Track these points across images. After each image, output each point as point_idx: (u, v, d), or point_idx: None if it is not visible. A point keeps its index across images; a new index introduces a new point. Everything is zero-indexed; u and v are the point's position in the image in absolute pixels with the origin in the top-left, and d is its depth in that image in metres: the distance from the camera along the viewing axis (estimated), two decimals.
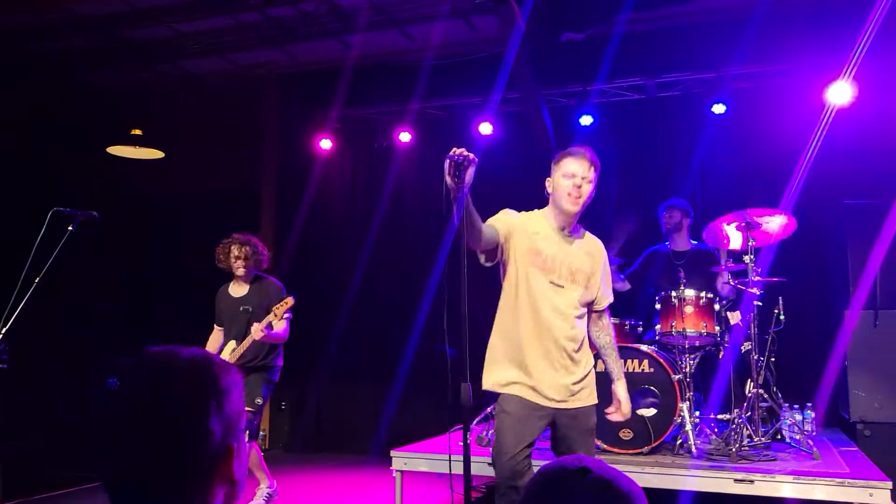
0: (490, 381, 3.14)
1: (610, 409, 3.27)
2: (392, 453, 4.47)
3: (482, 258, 3.11)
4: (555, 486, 1.11)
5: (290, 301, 4.62)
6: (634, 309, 5.44)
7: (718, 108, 6.20)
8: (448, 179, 2.66)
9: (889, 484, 3.61)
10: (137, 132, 6.47)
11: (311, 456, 7.10)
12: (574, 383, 3.12)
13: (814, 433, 4.98)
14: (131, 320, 7.65)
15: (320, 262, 7.51)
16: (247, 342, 4.59)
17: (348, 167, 7.75)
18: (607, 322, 3.36)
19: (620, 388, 3.26)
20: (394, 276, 7.23)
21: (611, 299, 3.36)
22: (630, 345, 4.66)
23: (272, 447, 7.47)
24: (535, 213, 3.24)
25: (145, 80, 7.38)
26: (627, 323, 5.00)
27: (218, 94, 7.55)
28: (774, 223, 4.76)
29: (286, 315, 4.63)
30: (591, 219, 6.09)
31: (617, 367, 3.32)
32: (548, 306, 3.08)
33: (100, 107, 7.34)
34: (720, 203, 5.71)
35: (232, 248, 4.81)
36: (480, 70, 6.48)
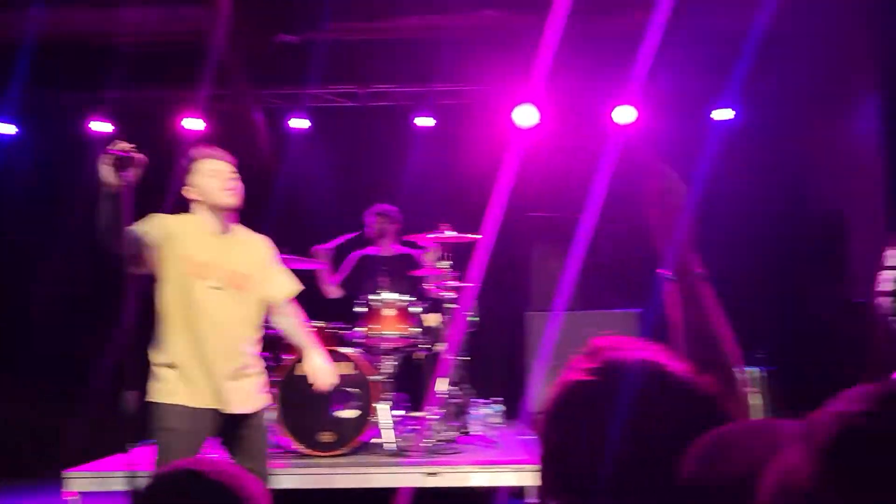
0: (154, 392, 2.99)
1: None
2: (65, 474, 4.02)
3: (130, 265, 2.92)
4: (168, 489, 1.05)
5: None
6: (341, 312, 5.51)
7: (424, 122, 6.54)
8: (106, 173, 2.46)
9: None
10: None
11: None
12: (241, 386, 3.08)
13: (501, 425, 5.43)
14: None
15: None
16: None
17: (33, 155, 6.88)
18: (291, 309, 3.38)
19: (310, 360, 3.38)
20: (73, 278, 6.53)
21: (288, 290, 3.36)
22: (333, 348, 4.70)
23: None
24: (186, 217, 3.14)
25: None
26: (331, 326, 5.04)
27: None
28: (470, 231, 5.13)
29: None
30: (298, 221, 6.08)
31: (307, 341, 3.39)
32: (207, 312, 3.00)
33: None
34: (425, 211, 6.02)
35: None
36: (189, 62, 6.14)
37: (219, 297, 3.03)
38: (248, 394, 3.11)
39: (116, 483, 3.97)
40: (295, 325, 3.40)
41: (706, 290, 1.28)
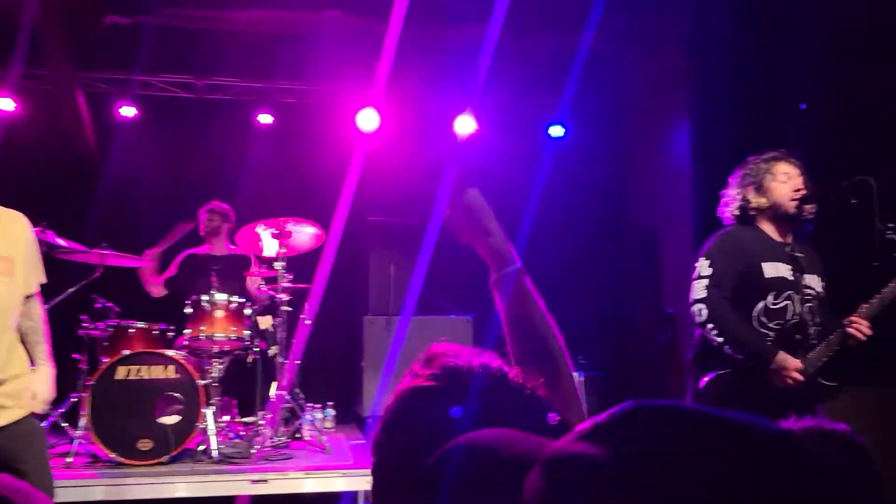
0: None
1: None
2: None
3: None
4: None
5: None
6: (169, 313, 5.23)
7: (265, 118, 6.37)
8: None
9: None
10: None
11: None
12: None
13: (332, 430, 5.38)
14: None
15: None
16: None
17: None
18: (36, 309, 2.93)
19: (37, 376, 2.83)
20: None
21: (37, 284, 2.95)
22: (156, 350, 4.45)
23: None
24: None
25: None
26: (157, 328, 4.78)
27: None
28: (306, 233, 5.06)
29: None
30: (123, 214, 5.70)
31: (41, 353, 2.88)
32: None
33: None
34: (261, 210, 5.84)
35: None
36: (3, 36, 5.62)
37: None
38: (12, 402, 2.73)
39: None
40: (35, 329, 2.88)
41: (529, 284, 1.33)
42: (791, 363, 2.86)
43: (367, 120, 5.73)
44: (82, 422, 4.13)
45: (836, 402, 2.92)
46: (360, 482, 4.05)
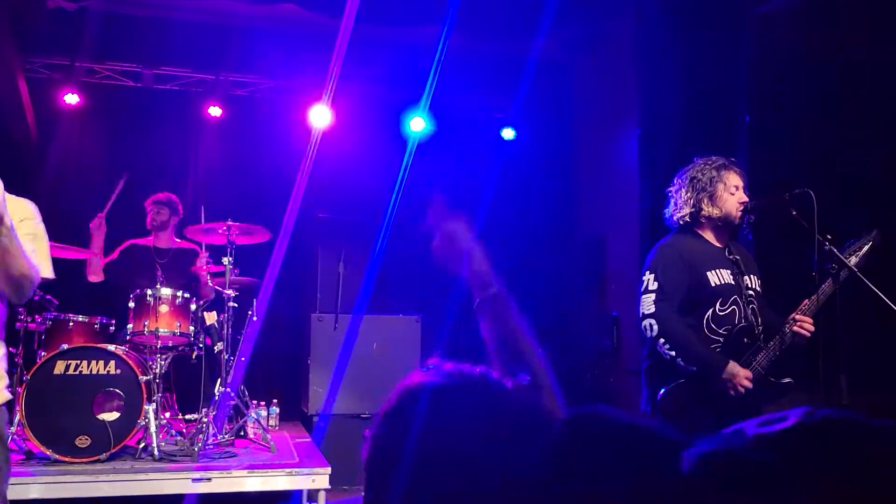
0: None
1: None
2: None
3: None
4: None
5: None
6: (112, 306, 5.11)
7: (215, 111, 6.27)
8: None
9: (328, 469, 4.04)
10: None
11: None
12: None
13: (276, 428, 5.32)
14: None
15: None
16: None
17: None
18: None
19: None
20: None
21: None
22: (97, 345, 4.34)
23: None
24: None
25: None
26: (98, 321, 4.67)
27: None
28: (254, 229, 5.00)
29: None
30: (60, 204, 5.54)
31: None
32: None
33: None
34: (210, 204, 5.76)
35: None
36: None
37: None
38: None
39: None
40: None
41: (509, 306, 1.40)
42: (741, 372, 2.95)
43: (320, 116, 5.69)
44: (17, 417, 4.00)
45: (783, 400, 3.03)
46: (305, 481, 4.03)
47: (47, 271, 2.47)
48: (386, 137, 6.20)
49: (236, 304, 4.79)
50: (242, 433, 4.82)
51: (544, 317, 6.31)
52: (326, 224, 5.86)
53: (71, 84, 5.98)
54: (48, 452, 3.97)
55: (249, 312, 4.87)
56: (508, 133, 6.72)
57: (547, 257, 6.48)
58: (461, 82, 5.78)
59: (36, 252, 2.42)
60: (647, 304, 3.07)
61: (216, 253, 5.06)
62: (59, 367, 4.15)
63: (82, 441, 4.07)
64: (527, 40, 5.02)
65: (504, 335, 1.35)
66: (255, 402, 5.16)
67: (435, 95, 5.01)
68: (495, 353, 1.34)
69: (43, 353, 4.31)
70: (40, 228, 2.51)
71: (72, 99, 6.01)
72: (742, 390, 2.94)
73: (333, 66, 4.71)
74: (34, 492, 3.67)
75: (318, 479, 4.01)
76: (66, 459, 4.02)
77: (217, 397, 4.56)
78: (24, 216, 2.45)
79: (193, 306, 4.74)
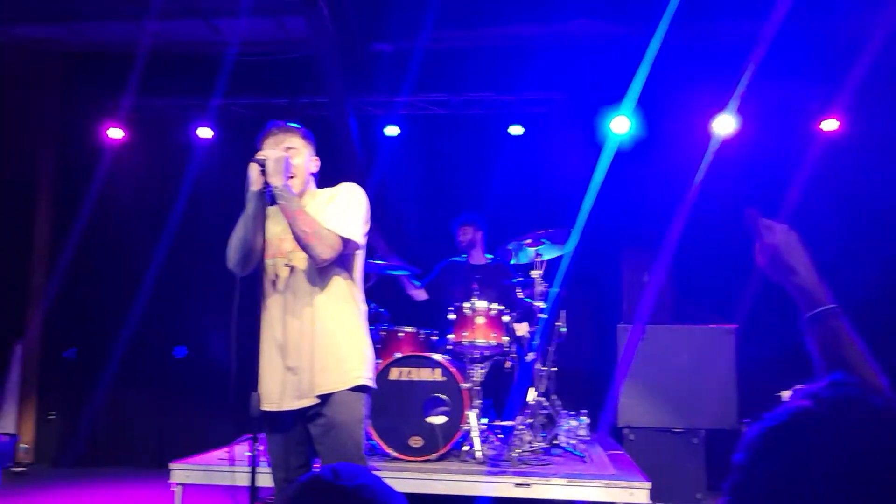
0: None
1: None
2: (171, 466, 4.20)
3: (239, 265, 2.85)
4: (306, 495, 1.09)
5: None
6: (431, 319, 5.57)
7: (516, 130, 6.55)
8: (255, 175, 2.68)
9: (648, 484, 3.96)
10: None
11: (84, 471, 6.52)
12: None
13: (587, 438, 5.36)
14: None
15: (104, 264, 6.94)
16: None
17: (140, 161, 7.22)
18: None
19: None
20: (186, 280, 6.88)
21: None
22: (423, 353, 4.75)
23: (38, 462, 6.78)
24: None
25: None
26: (422, 332, 5.10)
27: None
28: (559, 241, 5.10)
29: None
30: (391, 227, 6.15)
31: None
32: None
33: None
34: (514, 219, 6.04)
35: None
36: (288, 70, 6.36)
37: None
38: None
39: (218, 476, 4.13)
40: None
41: (842, 325, 1.27)
42: None
43: (621, 125, 5.65)
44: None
45: None
46: (622, 494, 3.99)
47: (344, 231, 2.79)
48: (687, 139, 5.97)
49: (546, 316, 4.92)
50: (556, 442, 4.93)
51: (881, 335, 5.58)
52: (631, 233, 5.79)
53: (392, 117, 6.66)
54: (388, 450, 4.43)
55: (557, 323, 4.98)
56: (829, 125, 6.07)
57: (878, 269, 5.69)
58: (776, 72, 5.36)
59: (336, 215, 2.82)
60: None
61: (524, 267, 5.26)
62: (394, 374, 4.61)
63: (415, 441, 4.47)
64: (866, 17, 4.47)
65: (838, 357, 1.22)
66: (565, 411, 5.25)
67: (748, 90, 4.71)
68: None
69: (379, 361, 4.81)
70: (344, 198, 2.89)
71: (392, 131, 6.68)
72: None
73: (634, 73, 4.65)
74: None
75: (636, 492, 3.95)
76: (402, 457, 4.45)
77: (530, 406, 4.73)
78: (337, 193, 2.91)
79: (506, 318, 4.97)
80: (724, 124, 5.80)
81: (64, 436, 6.90)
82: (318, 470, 1.16)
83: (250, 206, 2.72)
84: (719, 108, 5.75)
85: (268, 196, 2.70)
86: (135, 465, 6.54)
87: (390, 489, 1.11)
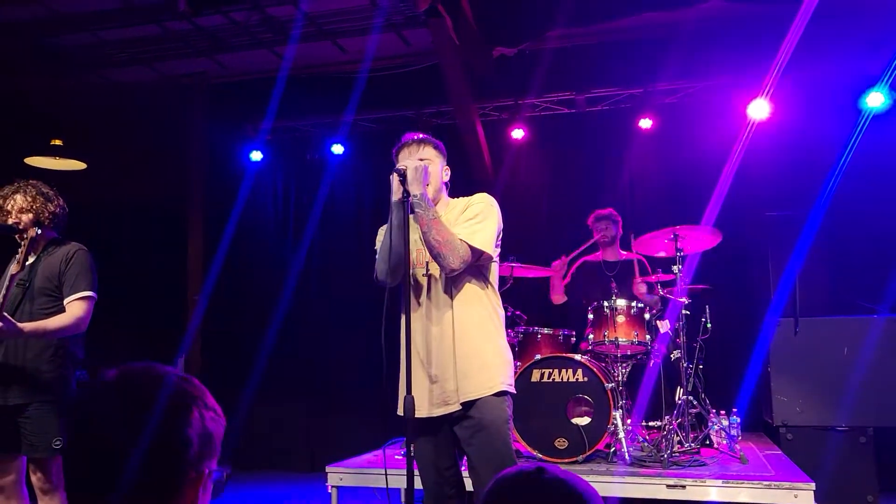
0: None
1: None
2: (328, 469, 4.39)
3: (389, 275, 2.90)
4: (512, 489, 1.12)
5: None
6: (567, 319, 5.52)
7: (645, 123, 6.39)
8: (396, 186, 2.77)
9: (812, 485, 3.74)
10: (58, 142, 6.21)
11: (241, 473, 6.91)
12: None
13: (740, 438, 5.13)
14: None
15: (250, 277, 7.36)
16: None
17: (279, 180, 7.64)
18: None
19: None
20: (326, 291, 7.18)
21: None
22: (564, 354, 4.71)
23: None
24: None
25: (67, 89, 7.11)
26: (561, 333, 5.06)
27: (144, 105, 7.33)
28: (700, 235, 4.93)
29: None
30: (522, 229, 6.16)
31: None
32: None
33: (17, 116, 7.04)
34: (648, 214, 5.88)
35: None
36: (413, 83, 6.51)
37: None
38: None
39: (372, 479, 4.27)
40: None
41: None
42: None
43: (759, 110, 5.40)
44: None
45: None
46: (785, 496, 3.78)
47: (476, 242, 2.81)
48: (831, 122, 5.61)
49: (689, 312, 4.76)
50: (708, 442, 4.76)
51: None
52: (775, 222, 5.50)
53: (517, 120, 6.67)
54: (534, 452, 4.43)
55: (703, 319, 4.81)
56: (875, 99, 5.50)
57: None
58: None
59: (469, 225, 2.84)
60: None
61: (663, 263, 5.12)
62: (535, 376, 4.60)
63: (561, 443, 4.45)
64: None
65: None
66: (714, 410, 5.06)
67: None
68: None
69: (518, 363, 4.80)
70: (477, 208, 2.90)
71: (518, 134, 6.69)
72: None
73: (782, 54, 4.42)
74: None
75: (800, 494, 3.74)
76: (549, 459, 4.42)
77: (679, 405, 4.59)
78: (470, 204, 2.93)
79: (647, 315, 4.85)
80: (875, 100, 5.41)
81: (224, 441, 7.32)
82: (522, 465, 1.21)
83: (393, 216, 2.80)
84: (869, 83, 5.37)
85: (407, 205, 2.77)
86: (291, 468, 6.87)
87: (587, 484, 1.13)
